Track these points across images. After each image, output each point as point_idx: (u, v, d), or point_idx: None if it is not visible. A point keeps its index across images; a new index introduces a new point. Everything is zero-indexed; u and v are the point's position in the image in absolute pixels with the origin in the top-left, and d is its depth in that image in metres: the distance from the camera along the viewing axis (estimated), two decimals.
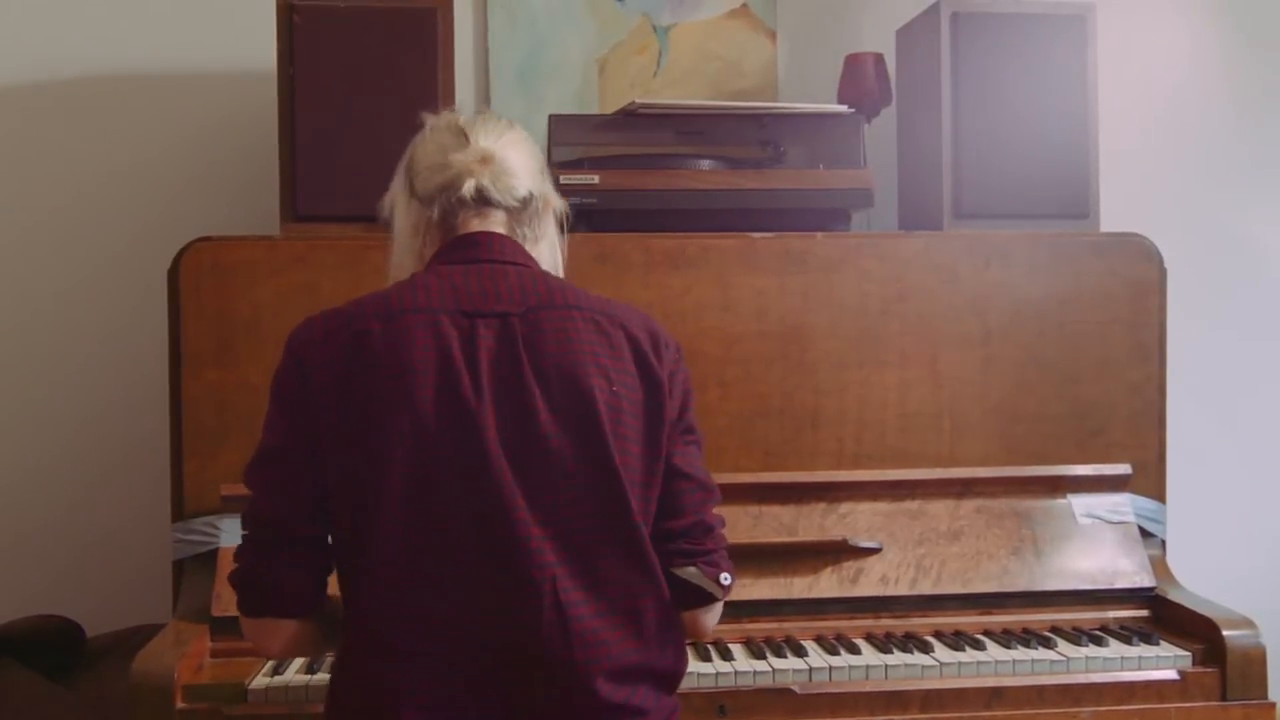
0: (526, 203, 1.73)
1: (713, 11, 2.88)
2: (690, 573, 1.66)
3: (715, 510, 1.73)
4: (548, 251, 1.82)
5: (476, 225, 1.71)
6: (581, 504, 1.57)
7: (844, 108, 2.51)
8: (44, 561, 2.67)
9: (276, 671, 2.03)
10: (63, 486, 2.66)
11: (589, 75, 2.85)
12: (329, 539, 1.63)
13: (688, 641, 1.71)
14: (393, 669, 1.54)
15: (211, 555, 2.20)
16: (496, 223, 1.72)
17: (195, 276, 2.26)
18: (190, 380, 2.25)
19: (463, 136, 1.72)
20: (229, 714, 1.94)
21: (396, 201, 1.79)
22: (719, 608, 1.72)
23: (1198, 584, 2.61)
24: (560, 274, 1.84)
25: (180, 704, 1.94)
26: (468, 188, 1.69)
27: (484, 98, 2.81)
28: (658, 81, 2.86)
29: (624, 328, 1.67)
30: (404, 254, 1.78)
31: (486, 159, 1.70)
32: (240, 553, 1.62)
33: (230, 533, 2.16)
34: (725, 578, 1.68)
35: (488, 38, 2.81)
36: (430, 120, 1.79)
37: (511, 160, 1.72)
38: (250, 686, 1.97)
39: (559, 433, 1.57)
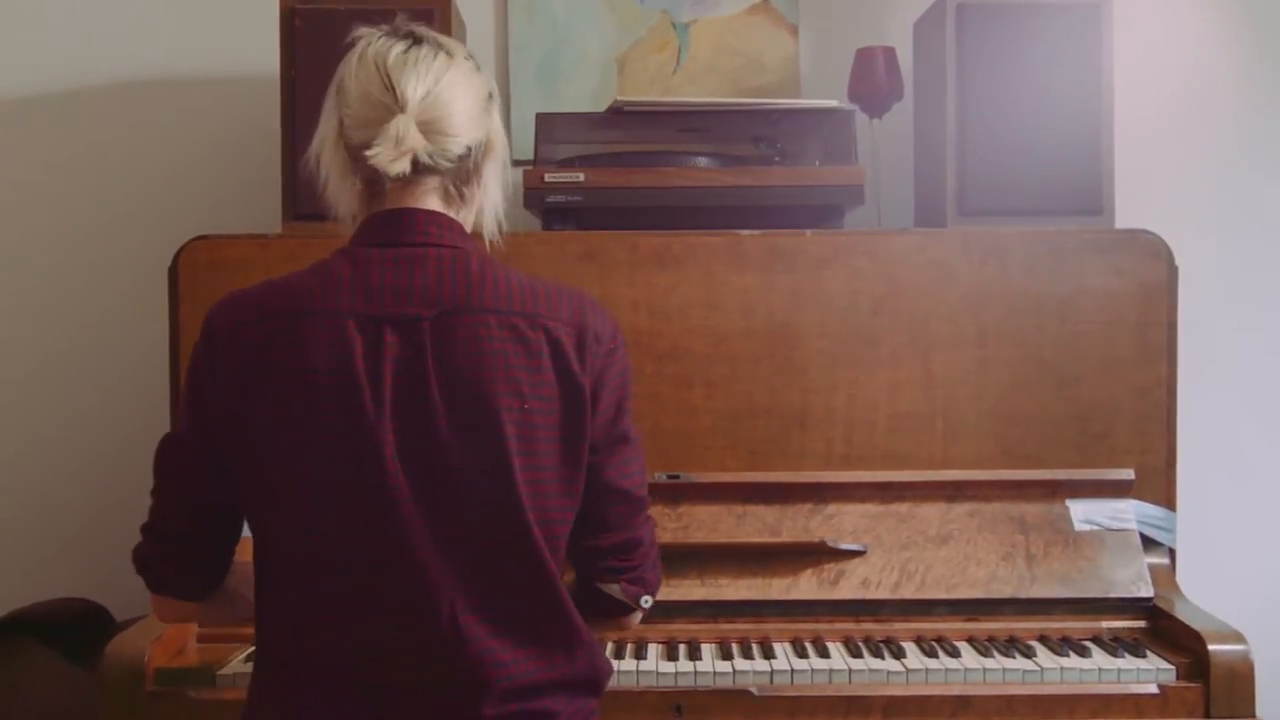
0: (464, 158, 1.60)
1: (733, 7, 2.86)
2: (614, 589, 1.66)
3: (647, 523, 1.70)
4: (490, 201, 1.70)
5: (405, 197, 1.59)
6: (483, 524, 1.52)
7: (834, 103, 2.47)
8: (79, 549, 2.79)
9: (250, 659, 2.08)
10: (90, 476, 2.79)
11: (608, 73, 2.85)
12: (225, 532, 1.64)
13: (613, 634, 1.74)
14: (293, 684, 1.55)
15: None
16: (429, 188, 1.60)
17: (192, 274, 2.33)
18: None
19: (390, 90, 1.54)
20: (195, 698, 2.00)
21: (325, 140, 1.64)
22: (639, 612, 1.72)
23: (1234, 596, 2.52)
24: (501, 218, 1.72)
25: (151, 687, 2.01)
26: (397, 167, 1.53)
27: (504, 96, 2.82)
28: (677, 79, 2.86)
29: (546, 330, 1.56)
30: (338, 194, 1.66)
31: (408, 143, 1.53)
32: (141, 531, 1.65)
33: None
34: (646, 600, 1.67)
35: (508, 36, 2.84)
36: (361, 45, 1.62)
37: (449, 111, 1.56)
38: (220, 672, 2.04)
39: (461, 452, 1.50)
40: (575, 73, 2.85)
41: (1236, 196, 2.82)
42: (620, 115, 2.48)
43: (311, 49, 2.41)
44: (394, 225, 1.59)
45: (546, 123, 2.49)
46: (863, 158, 2.52)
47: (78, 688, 2.46)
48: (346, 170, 1.62)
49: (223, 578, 1.68)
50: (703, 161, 2.42)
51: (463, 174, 1.62)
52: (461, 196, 1.65)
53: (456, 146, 1.58)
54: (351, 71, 1.60)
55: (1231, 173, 2.82)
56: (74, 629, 2.59)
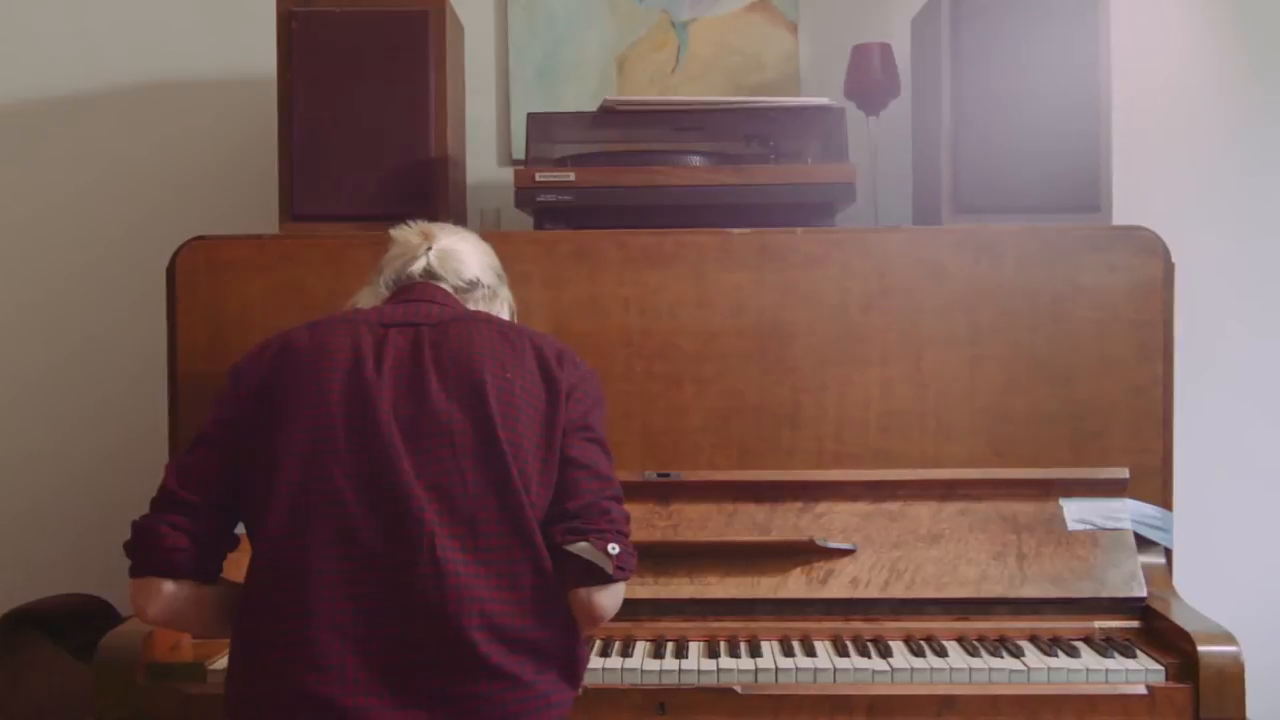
0: (474, 285, 1.91)
1: (732, 5, 2.85)
2: (581, 547, 1.69)
3: (618, 504, 1.76)
4: None
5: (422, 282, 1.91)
6: (466, 472, 1.67)
7: (825, 100, 2.46)
8: (84, 546, 2.83)
9: None
10: (95, 472, 2.83)
11: (607, 73, 2.86)
12: (225, 518, 1.74)
13: (589, 628, 1.75)
14: (282, 624, 1.64)
15: None
16: (443, 289, 1.89)
17: (190, 274, 2.37)
18: (185, 372, 2.36)
19: (424, 235, 1.93)
20: (186, 692, 2.03)
21: (363, 292, 1.96)
22: (618, 590, 1.73)
23: (1235, 596, 2.50)
24: None
25: (143, 680, 2.04)
26: (417, 266, 1.89)
27: (504, 97, 2.85)
28: (676, 77, 2.86)
29: (530, 339, 1.79)
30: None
31: (429, 234, 1.91)
32: (139, 521, 1.74)
33: None
34: (613, 548, 1.70)
35: (507, 36, 2.86)
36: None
37: (460, 250, 1.92)
38: (210, 667, 2.06)
39: (448, 407, 1.70)
40: (575, 72, 2.86)
41: (1237, 192, 2.79)
42: (613, 115, 2.48)
43: (308, 51, 2.45)
44: (408, 290, 1.89)
45: (538, 122, 2.50)
46: (859, 155, 2.51)
47: (82, 681, 2.50)
48: (378, 291, 1.91)
49: (214, 571, 1.75)
50: (695, 160, 2.42)
51: (472, 299, 1.90)
52: None
53: (467, 272, 1.91)
54: (392, 239, 1.96)
55: (1232, 168, 2.79)
56: (80, 624, 2.62)
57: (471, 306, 1.90)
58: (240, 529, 1.78)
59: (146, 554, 1.70)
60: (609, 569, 1.69)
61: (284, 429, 1.69)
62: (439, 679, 1.62)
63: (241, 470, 1.72)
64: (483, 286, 1.92)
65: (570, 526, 1.71)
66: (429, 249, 1.90)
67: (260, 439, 1.71)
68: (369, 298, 1.94)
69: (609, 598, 1.71)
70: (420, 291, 1.86)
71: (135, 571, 1.71)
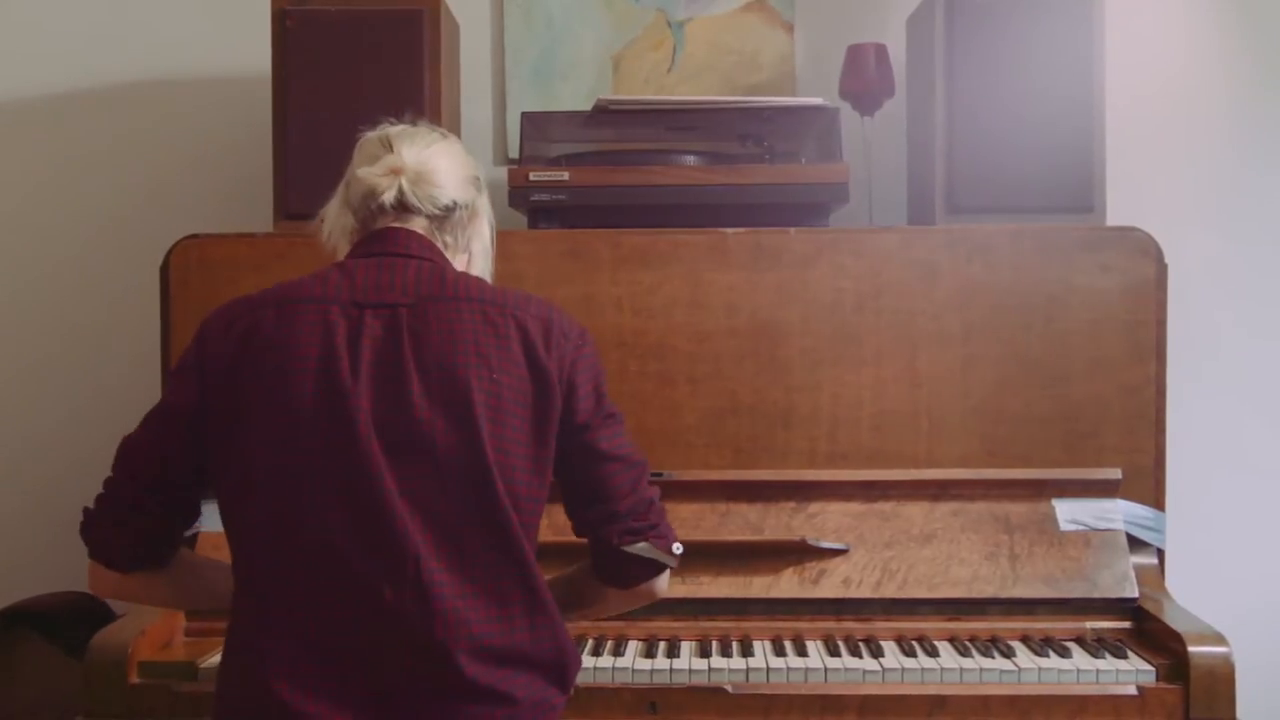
0: (450, 210, 1.77)
1: (728, 5, 2.85)
2: (641, 548, 1.71)
3: (651, 486, 1.77)
4: (479, 259, 1.86)
5: (394, 226, 1.76)
6: (451, 488, 1.61)
7: (819, 100, 2.47)
8: (78, 544, 2.82)
9: None
10: (88, 471, 2.78)
11: (603, 72, 2.86)
12: (178, 513, 1.72)
13: (641, 604, 1.80)
14: (266, 639, 1.61)
15: (193, 538, 2.29)
16: (416, 227, 1.76)
17: (183, 272, 2.37)
18: None
19: (388, 147, 1.77)
20: (178, 690, 2.03)
21: (332, 205, 1.85)
22: (668, 571, 1.77)
23: (1232, 596, 2.50)
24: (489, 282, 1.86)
25: (134, 679, 2.04)
26: (388, 195, 1.73)
27: (500, 97, 2.85)
28: (672, 77, 2.86)
29: (515, 318, 1.68)
30: (337, 245, 1.84)
31: (400, 170, 1.74)
32: (96, 500, 1.73)
33: (211, 517, 2.25)
34: (678, 547, 1.75)
35: (504, 37, 2.86)
36: (365, 134, 1.83)
37: (437, 169, 1.76)
38: (202, 665, 2.06)
39: (432, 418, 1.61)
40: (571, 72, 2.86)
41: (1231, 193, 2.79)
42: (607, 114, 2.48)
43: (303, 50, 2.45)
44: (379, 240, 1.75)
45: (533, 121, 2.50)
46: (853, 155, 2.51)
47: (75, 680, 2.50)
48: (347, 221, 1.80)
49: (164, 559, 1.74)
50: (689, 160, 2.43)
51: (448, 227, 1.78)
52: (445, 245, 1.78)
53: (443, 197, 1.75)
54: (359, 147, 1.81)
55: (1225, 169, 2.79)
56: (73, 622, 2.62)
57: (448, 237, 1.77)
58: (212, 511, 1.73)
59: (92, 544, 1.71)
60: (672, 564, 1.74)
61: (254, 438, 1.62)
62: (424, 700, 1.59)
63: (210, 463, 1.67)
64: (461, 208, 1.77)
65: (624, 528, 1.71)
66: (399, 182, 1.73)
67: (227, 439, 1.64)
68: (339, 229, 1.81)
69: (666, 580, 1.77)
70: (392, 242, 1.72)
71: (89, 554, 1.72)
